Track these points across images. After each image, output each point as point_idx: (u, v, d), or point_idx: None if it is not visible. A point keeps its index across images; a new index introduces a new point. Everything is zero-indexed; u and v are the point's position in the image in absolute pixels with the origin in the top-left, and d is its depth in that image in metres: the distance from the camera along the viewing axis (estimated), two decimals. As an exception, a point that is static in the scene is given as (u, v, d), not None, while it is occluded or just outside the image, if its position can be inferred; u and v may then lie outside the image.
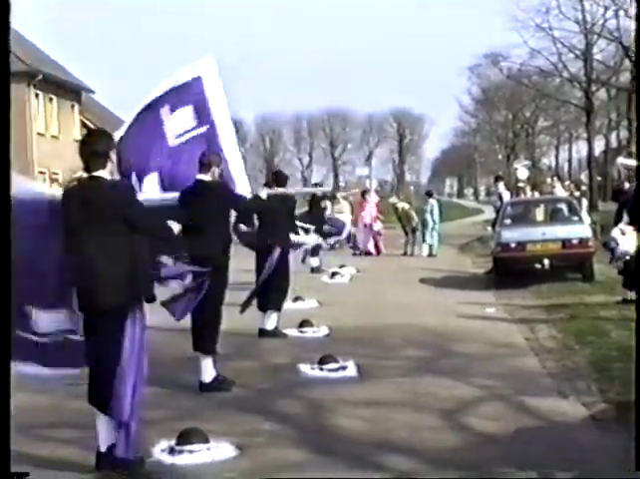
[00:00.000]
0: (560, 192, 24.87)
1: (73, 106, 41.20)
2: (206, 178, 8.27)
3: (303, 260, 20.21)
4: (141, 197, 6.68)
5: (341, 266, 19.66)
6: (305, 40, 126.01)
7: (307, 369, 8.80)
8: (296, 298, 13.58)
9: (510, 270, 16.30)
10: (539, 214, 18.89)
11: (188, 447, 6.06)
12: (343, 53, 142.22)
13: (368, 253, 25.66)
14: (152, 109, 8.87)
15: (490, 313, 12.82)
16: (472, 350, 9.77)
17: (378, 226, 26.38)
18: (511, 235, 16.75)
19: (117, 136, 8.22)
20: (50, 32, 64.91)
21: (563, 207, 18.29)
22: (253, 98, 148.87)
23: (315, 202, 21.04)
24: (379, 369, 8.81)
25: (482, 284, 16.91)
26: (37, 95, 36.60)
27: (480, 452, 6.08)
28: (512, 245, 16.37)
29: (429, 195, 27.19)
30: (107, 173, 5.74)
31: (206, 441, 6.15)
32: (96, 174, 5.68)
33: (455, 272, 19.35)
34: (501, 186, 21.62)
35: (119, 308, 5.63)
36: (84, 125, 42.03)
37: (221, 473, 5.77)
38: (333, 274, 18.66)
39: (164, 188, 8.64)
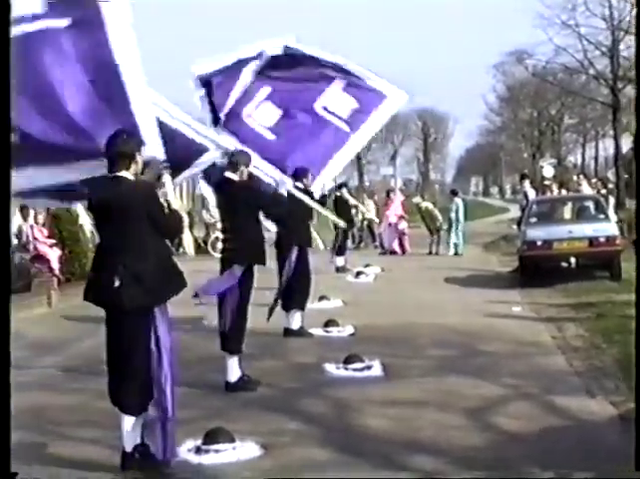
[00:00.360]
0: (587, 189, 24.69)
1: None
2: (235, 177, 8.29)
3: (331, 261, 20.21)
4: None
5: (366, 266, 19.62)
6: (328, 37, 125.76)
7: (332, 369, 8.79)
8: (321, 298, 13.57)
9: (537, 269, 16.20)
10: (566, 212, 18.74)
11: (214, 447, 6.07)
12: (366, 51, 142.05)
13: (393, 253, 25.62)
14: (332, 68, 9.38)
15: (517, 312, 12.75)
16: (498, 349, 9.71)
17: (403, 225, 26.31)
18: (537, 233, 16.64)
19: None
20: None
21: (590, 204, 18.15)
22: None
23: (340, 202, 21.03)
24: (405, 369, 8.78)
25: (508, 283, 16.81)
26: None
27: (507, 451, 6.04)
28: (539, 244, 16.26)
29: (454, 193, 27.08)
30: (130, 174, 5.75)
31: (232, 441, 6.15)
32: (119, 174, 5.69)
33: (480, 271, 19.26)
34: (527, 184, 21.49)
35: (143, 309, 5.63)
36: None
37: (247, 472, 5.77)
38: (358, 274, 18.63)
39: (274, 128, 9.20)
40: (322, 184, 9.93)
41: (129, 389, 5.68)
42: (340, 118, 9.16)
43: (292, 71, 9.36)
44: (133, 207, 5.64)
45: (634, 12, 40.76)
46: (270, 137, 9.20)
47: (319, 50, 9.53)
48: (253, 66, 9.38)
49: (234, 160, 8.26)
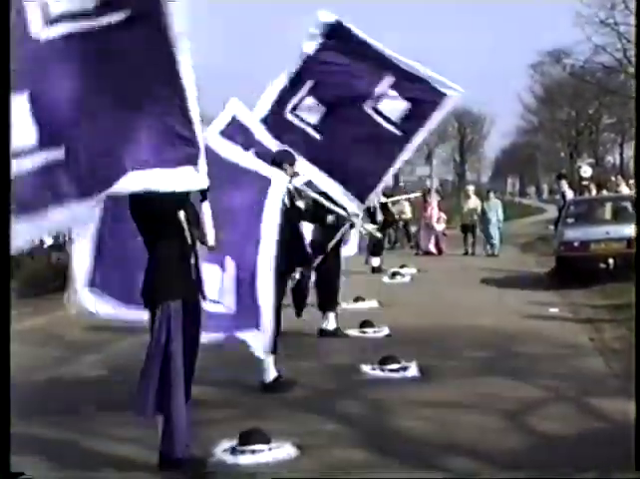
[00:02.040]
0: (625, 190, 24.44)
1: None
2: None
3: (367, 261, 20.20)
4: None
5: (402, 266, 19.57)
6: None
7: (368, 370, 8.76)
8: (357, 299, 13.55)
9: (574, 270, 16.05)
10: (603, 212, 18.57)
11: (250, 447, 6.06)
12: (402, 51, 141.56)
13: (429, 253, 25.53)
14: (383, 61, 8.61)
15: (554, 313, 12.65)
16: (535, 351, 9.64)
17: (441, 226, 26.18)
18: (575, 233, 16.51)
19: None
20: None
21: (628, 205, 17.95)
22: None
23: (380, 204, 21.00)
24: (441, 370, 8.74)
25: (545, 284, 16.69)
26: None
27: (545, 454, 5.99)
28: (576, 245, 16.13)
29: (490, 194, 26.93)
30: None
31: (268, 441, 6.15)
32: None
33: (517, 272, 19.13)
34: (565, 184, 21.32)
35: (159, 307, 5.61)
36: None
37: (283, 473, 5.77)
38: (394, 274, 18.58)
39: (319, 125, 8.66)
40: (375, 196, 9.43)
41: (141, 388, 5.72)
42: (391, 122, 8.54)
43: (340, 58, 8.63)
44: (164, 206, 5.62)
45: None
46: (316, 135, 8.75)
47: (367, 36, 8.76)
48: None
49: (278, 159, 8.15)
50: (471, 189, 28.48)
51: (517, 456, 5.95)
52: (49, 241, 20.56)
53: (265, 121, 8.74)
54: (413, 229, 27.18)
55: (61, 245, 18.85)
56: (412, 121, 8.57)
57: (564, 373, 8.42)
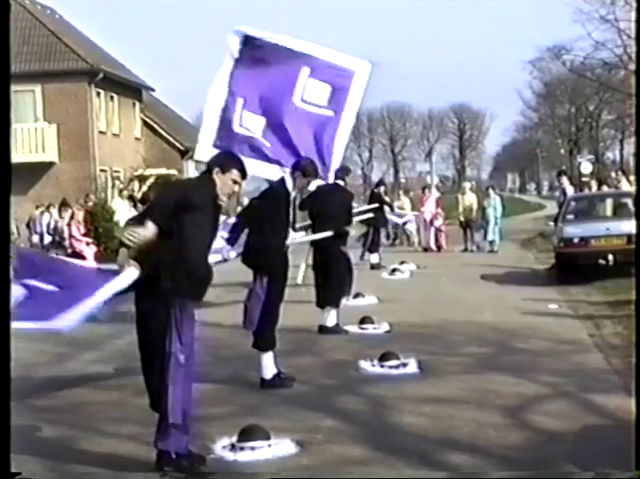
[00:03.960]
0: (625, 186, 24.41)
1: (134, 104, 41.52)
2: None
3: (362, 257, 20.20)
4: None
5: (401, 263, 19.56)
6: (364, 35, 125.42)
7: (368, 366, 8.76)
8: (356, 295, 13.55)
9: (574, 266, 16.03)
10: (603, 208, 18.57)
11: (250, 444, 6.05)
12: (402, 47, 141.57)
13: (428, 250, 25.52)
14: (295, 57, 9.07)
15: (554, 310, 12.65)
16: (535, 347, 9.64)
17: (439, 222, 26.19)
18: (575, 230, 16.50)
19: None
20: (110, 30, 65.82)
21: (628, 201, 17.92)
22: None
23: (375, 199, 21.02)
24: (441, 366, 8.74)
25: (545, 280, 16.69)
26: (98, 93, 36.94)
27: (544, 450, 5.98)
28: (576, 241, 16.13)
29: (490, 190, 26.92)
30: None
31: (268, 438, 6.15)
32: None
33: (516, 268, 19.14)
34: (565, 180, 21.30)
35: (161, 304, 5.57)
36: (145, 123, 42.43)
37: (283, 470, 5.76)
38: (393, 271, 18.58)
39: (264, 136, 8.96)
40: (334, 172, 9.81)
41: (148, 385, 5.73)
42: (320, 106, 9.12)
43: (257, 68, 9.11)
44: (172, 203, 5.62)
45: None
46: (266, 142, 9.10)
47: (272, 34, 9.27)
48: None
49: (301, 168, 8.38)
50: (467, 185, 28.47)
51: (517, 452, 5.94)
52: (48, 238, 20.59)
53: (220, 136, 9.09)
54: (412, 226, 27.14)
55: (59, 242, 18.84)
56: (337, 98, 9.18)
57: (564, 369, 8.42)
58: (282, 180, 8.38)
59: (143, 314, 5.66)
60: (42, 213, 23.94)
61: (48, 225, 21.82)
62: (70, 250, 17.23)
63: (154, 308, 5.55)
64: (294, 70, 9.03)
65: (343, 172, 11.84)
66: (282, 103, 9.00)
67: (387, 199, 22.00)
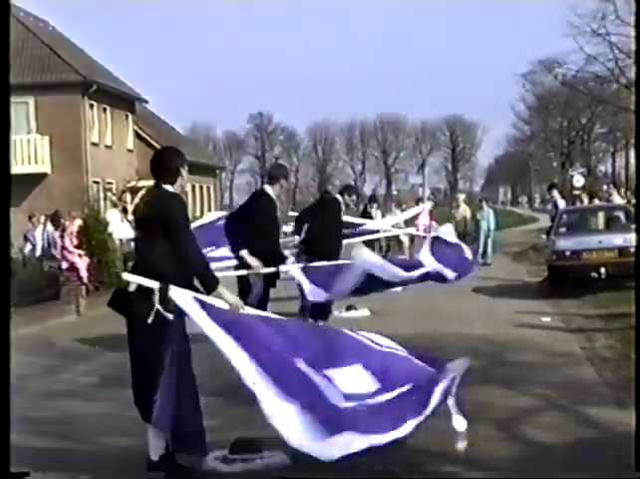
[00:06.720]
0: (617, 199, 24.52)
1: (127, 116, 41.53)
2: (270, 191, 8.44)
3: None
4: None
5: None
6: (358, 48, 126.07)
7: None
8: (349, 307, 13.55)
9: (566, 279, 16.09)
10: (595, 222, 18.62)
11: (242, 456, 6.05)
12: (395, 60, 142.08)
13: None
14: None
15: (546, 322, 12.67)
16: (527, 360, 9.65)
17: (432, 234, 26.11)
18: (567, 243, 16.54)
19: None
20: (103, 43, 65.95)
21: (620, 214, 18.01)
22: (306, 106, 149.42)
23: (366, 215, 21.07)
24: (433, 378, 8.72)
25: (537, 293, 16.71)
26: (91, 105, 36.92)
27: (537, 462, 5.99)
28: (568, 254, 16.17)
29: (483, 202, 26.98)
30: (174, 187, 5.94)
31: (259, 450, 6.14)
32: (163, 186, 5.85)
33: (509, 281, 19.16)
34: (557, 193, 21.37)
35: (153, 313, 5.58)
36: (137, 135, 42.44)
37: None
38: (385, 283, 18.53)
39: None
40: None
41: (138, 397, 5.73)
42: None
43: None
44: (157, 216, 5.70)
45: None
46: None
47: None
48: None
49: (274, 173, 8.56)
50: (461, 197, 28.52)
51: (509, 464, 5.94)
52: (40, 250, 20.55)
53: None
54: (405, 238, 27.13)
55: (53, 254, 18.81)
56: None
57: (556, 382, 8.42)
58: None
59: (134, 326, 5.68)
60: (34, 224, 23.89)
61: (42, 236, 21.78)
62: (63, 262, 17.19)
63: (145, 320, 5.56)
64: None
65: (348, 190, 12.13)
66: None
67: (378, 217, 22.01)
